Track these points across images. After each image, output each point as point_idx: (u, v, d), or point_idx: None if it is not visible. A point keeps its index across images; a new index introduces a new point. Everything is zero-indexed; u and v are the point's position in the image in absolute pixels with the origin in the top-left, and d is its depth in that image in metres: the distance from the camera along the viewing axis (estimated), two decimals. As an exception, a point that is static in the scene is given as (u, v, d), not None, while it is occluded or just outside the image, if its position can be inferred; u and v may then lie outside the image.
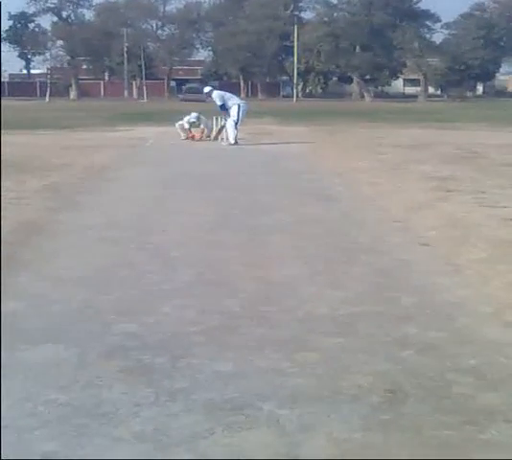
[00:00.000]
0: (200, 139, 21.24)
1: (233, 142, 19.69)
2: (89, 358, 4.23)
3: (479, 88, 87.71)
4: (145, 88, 75.93)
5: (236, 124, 19.92)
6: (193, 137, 21.41)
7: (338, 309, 5.18)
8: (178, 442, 3.28)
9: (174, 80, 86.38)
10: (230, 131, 19.93)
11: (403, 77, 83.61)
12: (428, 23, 78.91)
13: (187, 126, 21.73)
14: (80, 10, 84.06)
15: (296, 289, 5.71)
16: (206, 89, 21.39)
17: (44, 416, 3.49)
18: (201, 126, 21.67)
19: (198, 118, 21.84)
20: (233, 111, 19.90)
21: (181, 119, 21.97)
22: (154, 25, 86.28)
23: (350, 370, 4.07)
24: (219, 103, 20.11)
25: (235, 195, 10.69)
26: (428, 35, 79.34)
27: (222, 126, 20.96)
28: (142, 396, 3.72)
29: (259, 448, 3.25)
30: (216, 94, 20.25)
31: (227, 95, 20.65)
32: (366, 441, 3.30)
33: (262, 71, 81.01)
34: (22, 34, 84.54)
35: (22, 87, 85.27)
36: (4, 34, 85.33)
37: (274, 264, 6.57)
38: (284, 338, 4.57)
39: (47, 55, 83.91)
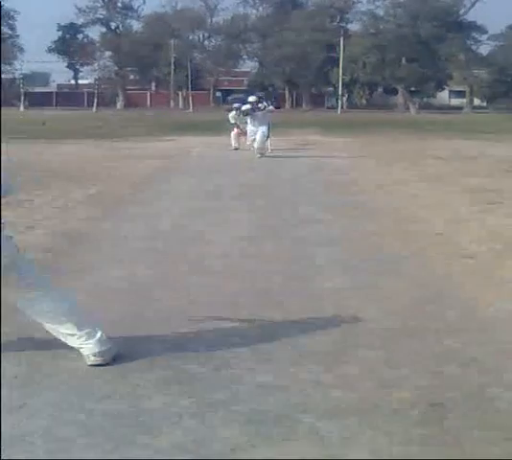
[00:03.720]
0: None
1: (270, 151, 19.95)
2: (130, 368, 4.25)
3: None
4: (191, 98, 76.35)
5: (266, 134, 20.11)
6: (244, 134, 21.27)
7: (380, 322, 5.15)
8: (218, 454, 3.27)
9: (219, 90, 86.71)
10: (262, 141, 19.93)
11: (448, 88, 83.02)
12: (474, 35, 78.25)
13: (233, 121, 21.82)
14: (128, 21, 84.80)
15: (338, 302, 5.69)
16: (251, 98, 21.22)
17: (85, 426, 3.51)
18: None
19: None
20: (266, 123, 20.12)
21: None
22: (201, 36, 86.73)
23: (391, 383, 4.04)
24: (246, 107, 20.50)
25: (276, 207, 10.71)
26: (474, 47, 78.79)
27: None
28: (183, 406, 3.73)
29: (298, 461, 3.23)
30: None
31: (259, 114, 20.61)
32: (407, 455, 3.27)
33: (307, 82, 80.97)
34: (71, 45, 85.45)
35: (70, 97, 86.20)
36: (52, 45, 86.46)
37: (316, 276, 6.56)
38: (325, 351, 4.56)
39: (95, 65, 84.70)
